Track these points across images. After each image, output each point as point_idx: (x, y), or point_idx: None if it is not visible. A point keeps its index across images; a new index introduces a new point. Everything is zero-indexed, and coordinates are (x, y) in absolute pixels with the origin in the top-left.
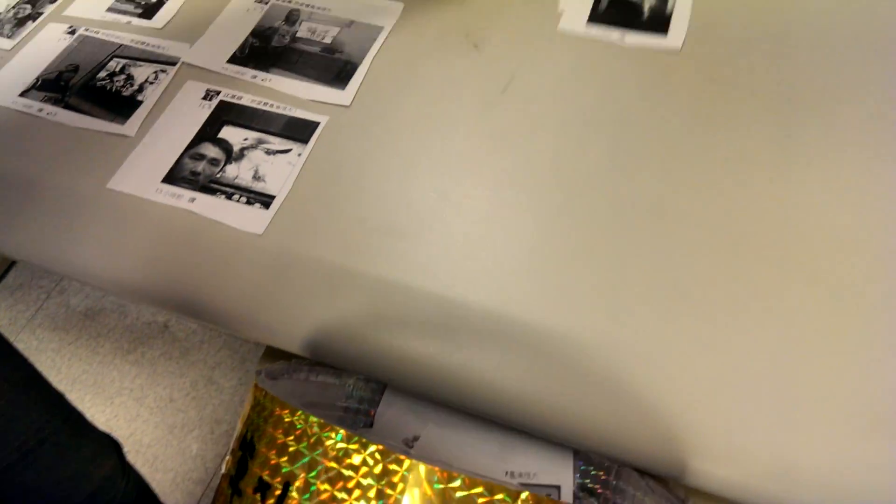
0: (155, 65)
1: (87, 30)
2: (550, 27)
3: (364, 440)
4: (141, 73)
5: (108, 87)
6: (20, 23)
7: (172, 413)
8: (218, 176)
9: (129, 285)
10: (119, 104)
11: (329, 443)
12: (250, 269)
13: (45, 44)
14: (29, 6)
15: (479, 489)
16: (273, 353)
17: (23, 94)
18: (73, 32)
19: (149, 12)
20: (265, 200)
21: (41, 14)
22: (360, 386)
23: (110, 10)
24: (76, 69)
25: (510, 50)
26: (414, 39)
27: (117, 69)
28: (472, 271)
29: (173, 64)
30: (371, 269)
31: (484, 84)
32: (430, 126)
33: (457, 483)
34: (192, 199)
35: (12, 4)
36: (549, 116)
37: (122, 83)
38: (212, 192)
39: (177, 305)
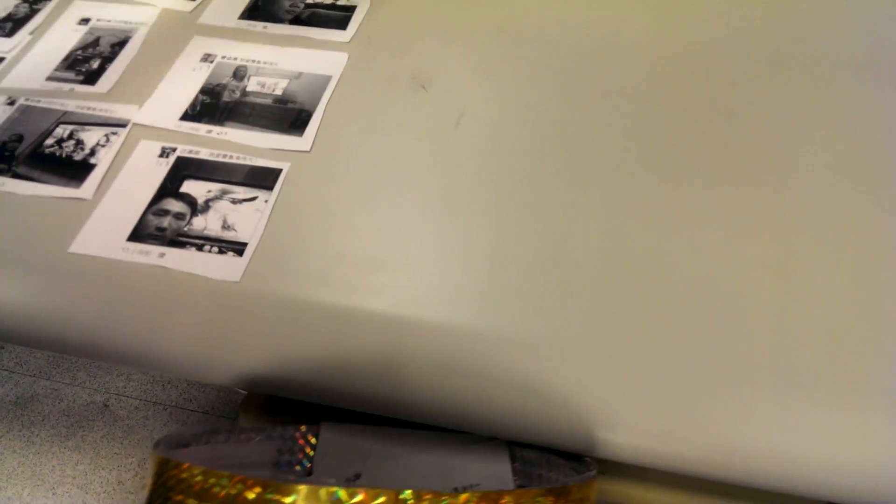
0: (104, 128)
1: (27, 99)
2: (491, 62)
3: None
4: (91, 136)
5: (58, 154)
6: None
7: (122, 497)
8: (185, 229)
9: (106, 347)
10: (72, 168)
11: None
12: (229, 316)
13: None
14: None
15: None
16: (253, 401)
17: None
18: (12, 103)
19: (91, 78)
20: (238, 248)
21: None
22: (292, 436)
23: (50, 79)
24: (20, 138)
25: (457, 87)
26: (363, 85)
27: (65, 135)
28: (436, 294)
29: (124, 126)
30: (355, 302)
31: (436, 121)
32: (390, 162)
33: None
34: (162, 255)
35: None
36: (501, 145)
37: (71, 148)
38: (181, 245)
39: (156, 363)
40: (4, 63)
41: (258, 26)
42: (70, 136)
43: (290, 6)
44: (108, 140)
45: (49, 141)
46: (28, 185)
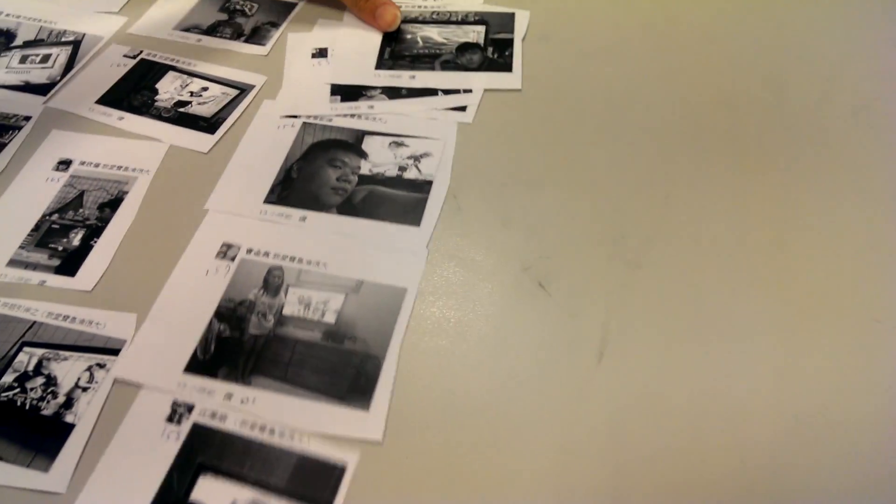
0: (87, 355)
1: None
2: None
3: None
4: (66, 371)
5: (20, 402)
6: None
7: None
8: None
9: None
10: (38, 432)
11: None
12: None
13: None
14: None
15: None
16: None
17: None
18: None
19: (69, 263)
20: None
21: None
22: None
23: (13, 263)
24: None
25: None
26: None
27: (30, 368)
28: None
29: (114, 353)
30: None
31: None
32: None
33: None
34: None
35: None
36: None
37: (39, 394)
38: None
39: None
40: None
41: (295, 213)
42: (38, 370)
43: (340, 180)
44: (91, 379)
45: (7, 378)
46: None
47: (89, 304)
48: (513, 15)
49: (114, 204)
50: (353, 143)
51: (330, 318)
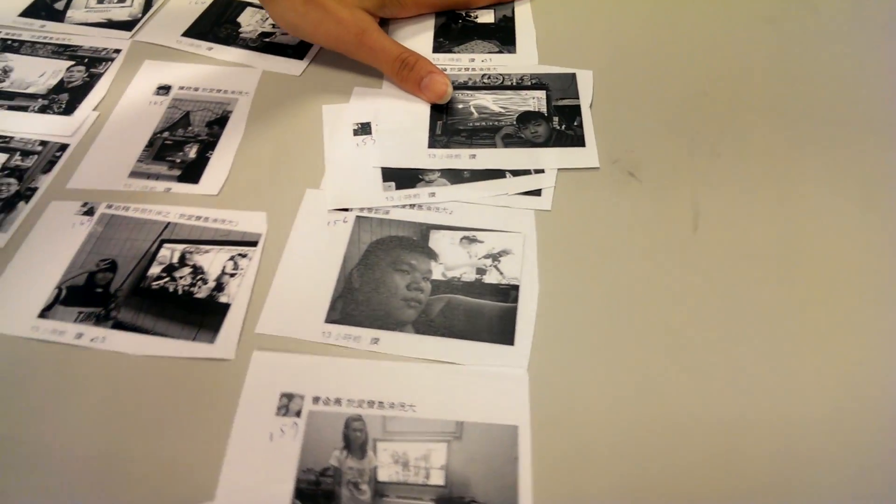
0: (227, 248)
1: (110, 206)
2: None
3: None
4: (211, 261)
5: (172, 289)
6: (8, 205)
7: None
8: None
9: None
10: (197, 312)
11: None
12: None
13: (55, 234)
14: (14, 180)
15: None
16: None
17: (44, 314)
18: (90, 212)
19: (189, 173)
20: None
21: (35, 190)
22: None
23: (135, 174)
24: (113, 266)
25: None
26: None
27: (175, 260)
28: None
29: (253, 244)
30: None
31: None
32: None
33: None
34: None
35: None
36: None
37: (189, 281)
38: None
39: None
40: (69, 152)
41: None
42: (182, 262)
43: (411, 288)
44: (235, 267)
45: (154, 269)
46: (139, 339)
47: (217, 205)
48: (573, 76)
49: (221, 122)
50: (418, 242)
51: (438, 479)
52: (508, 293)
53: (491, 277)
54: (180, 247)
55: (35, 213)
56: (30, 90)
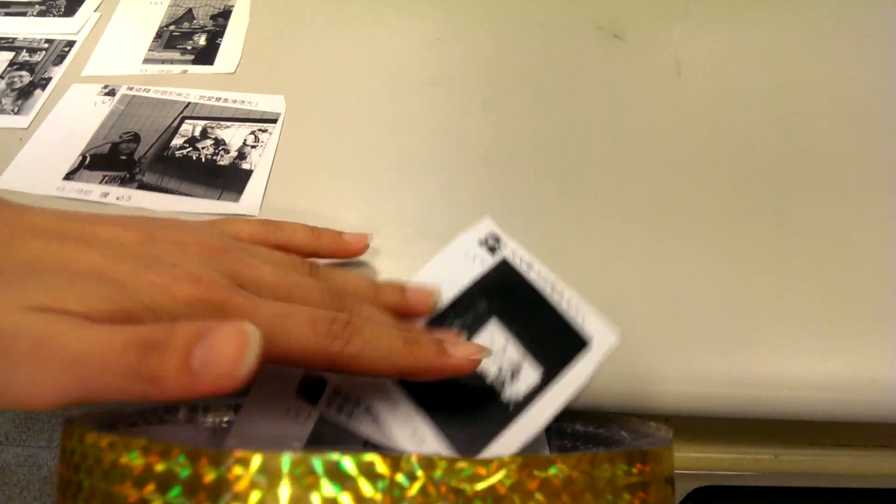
0: (247, 124)
1: (130, 88)
2: None
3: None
4: (232, 135)
5: (195, 157)
6: (23, 93)
7: None
8: None
9: None
10: (220, 176)
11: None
12: None
13: (77, 112)
14: (25, 73)
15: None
16: None
17: (69, 177)
18: (111, 93)
19: (203, 57)
20: None
21: (49, 80)
22: None
23: (149, 61)
24: (136, 138)
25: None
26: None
27: (196, 133)
28: None
29: (273, 122)
30: None
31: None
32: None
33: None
34: None
35: None
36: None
37: (211, 151)
38: None
39: None
40: (77, 46)
41: None
42: (204, 135)
43: None
44: (256, 140)
45: (177, 141)
46: (165, 198)
47: (235, 87)
48: None
49: (225, 14)
50: None
51: None
52: None
53: None
54: (202, 122)
55: (53, 98)
56: None
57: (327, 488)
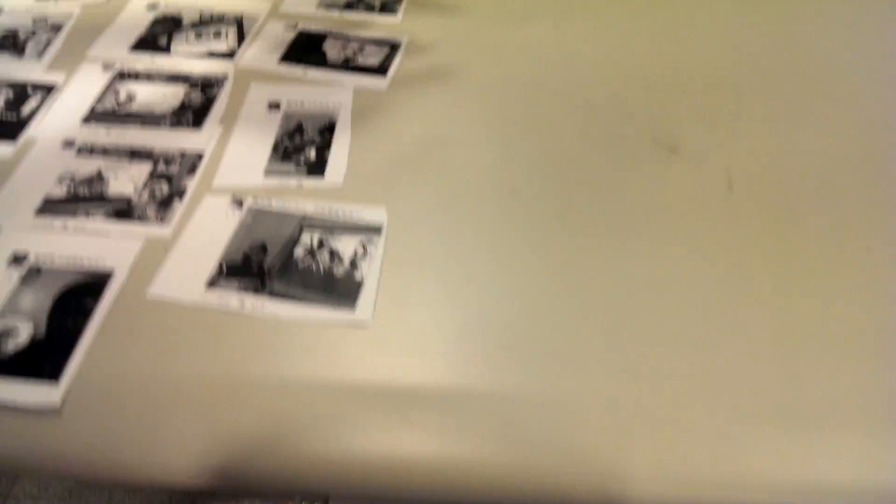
0: (356, 234)
1: (255, 200)
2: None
3: None
4: (345, 246)
5: (315, 268)
6: (164, 204)
7: None
8: None
9: None
10: (336, 287)
11: None
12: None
13: (211, 222)
14: (165, 183)
15: None
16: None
17: (212, 286)
18: (240, 204)
19: (315, 170)
20: None
21: (185, 190)
22: None
23: (270, 173)
24: (263, 248)
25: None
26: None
27: (315, 244)
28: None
29: (377, 232)
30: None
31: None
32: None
33: None
34: None
35: (141, 184)
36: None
37: (328, 260)
38: None
39: None
40: (206, 158)
41: None
42: (321, 245)
43: None
44: (365, 251)
45: (299, 251)
46: (292, 308)
47: (343, 198)
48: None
49: (330, 128)
50: None
51: None
52: None
53: None
54: (317, 232)
55: (190, 208)
56: (156, 111)
57: None
